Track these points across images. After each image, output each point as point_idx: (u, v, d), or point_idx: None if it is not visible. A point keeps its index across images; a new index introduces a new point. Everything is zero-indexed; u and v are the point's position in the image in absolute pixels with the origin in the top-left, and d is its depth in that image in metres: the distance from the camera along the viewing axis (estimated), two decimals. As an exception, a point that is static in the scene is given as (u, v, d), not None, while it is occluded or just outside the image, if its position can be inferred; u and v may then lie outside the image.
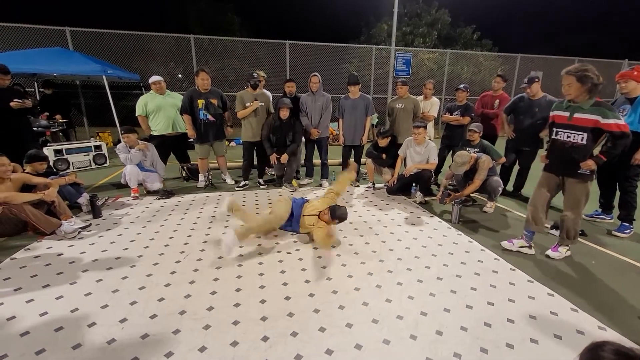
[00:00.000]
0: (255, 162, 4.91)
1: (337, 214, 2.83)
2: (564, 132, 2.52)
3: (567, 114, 2.48)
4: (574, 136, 2.46)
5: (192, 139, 4.59)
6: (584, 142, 2.42)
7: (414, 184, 4.35)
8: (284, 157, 4.46)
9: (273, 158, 4.49)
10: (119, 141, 6.79)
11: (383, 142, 4.49)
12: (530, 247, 2.82)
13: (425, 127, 4.14)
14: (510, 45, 16.38)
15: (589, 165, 2.42)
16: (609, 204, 3.56)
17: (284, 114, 4.28)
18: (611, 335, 1.82)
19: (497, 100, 4.64)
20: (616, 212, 3.43)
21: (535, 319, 1.94)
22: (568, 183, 2.57)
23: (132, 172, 4.05)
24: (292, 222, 3.03)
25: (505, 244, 2.90)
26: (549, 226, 3.25)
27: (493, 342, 1.74)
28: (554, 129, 2.61)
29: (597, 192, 3.61)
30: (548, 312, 2.01)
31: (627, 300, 2.16)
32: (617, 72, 3.42)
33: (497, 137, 4.74)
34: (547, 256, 2.71)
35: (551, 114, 2.66)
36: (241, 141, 4.76)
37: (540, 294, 2.21)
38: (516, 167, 4.45)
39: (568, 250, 2.73)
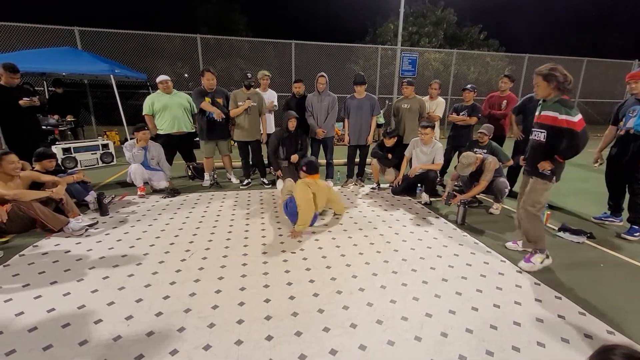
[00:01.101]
0: (251, 162, 4.91)
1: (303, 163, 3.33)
2: (534, 131, 2.52)
3: (538, 112, 2.49)
4: (538, 134, 2.47)
5: (213, 116, 4.34)
6: (544, 140, 2.41)
7: (419, 185, 4.32)
8: (294, 157, 4.49)
9: (279, 174, 4.51)
10: (126, 140, 6.89)
11: (390, 142, 4.49)
12: (548, 256, 2.64)
13: (433, 127, 4.12)
14: (518, 45, 16.19)
15: (544, 166, 2.38)
16: (618, 206, 3.51)
17: (292, 125, 4.30)
18: (620, 340, 1.79)
19: (505, 101, 4.59)
20: (625, 214, 3.38)
21: (542, 322, 1.92)
22: (530, 182, 2.54)
23: (137, 171, 4.08)
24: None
25: (509, 244, 2.88)
26: (557, 229, 3.22)
27: (499, 345, 1.72)
28: (532, 129, 2.60)
29: (606, 194, 3.56)
30: (555, 315, 1.99)
31: (637, 304, 2.13)
32: (627, 73, 3.36)
33: (505, 137, 4.70)
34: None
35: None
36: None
37: (547, 296, 2.18)
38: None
39: (546, 258, 2.52)
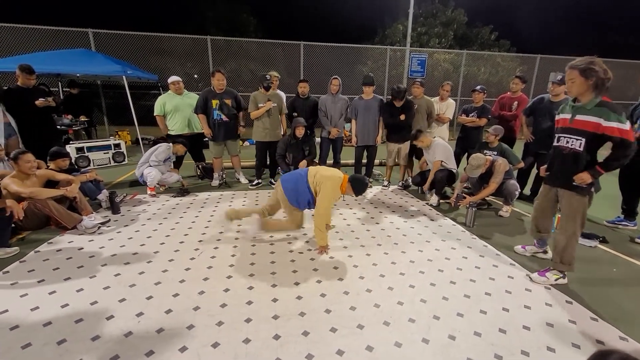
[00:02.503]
0: (269, 162, 4.95)
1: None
2: (564, 137, 2.21)
3: (569, 115, 2.18)
4: (573, 141, 2.14)
5: (207, 138, 4.68)
6: (581, 148, 2.10)
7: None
8: (303, 163, 4.52)
9: None
10: (137, 140, 7.01)
11: (399, 103, 4.36)
12: (545, 252, 2.73)
13: (417, 134, 4.11)
14: (530, 46, 15.94)
15: (582, 178, 2.08)
16: (632, 210, 3.44)
17: (300, 132, 4.33)
18: (633, 346, 1.76)
19: (516, 102, 4.54)
20: (639, 219, 3.30)
21: (553, 326, 1.89)
22: (563, 196, 2.26)
23: (155, 174, 4.14)
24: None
25: (518, 249, 2.83)
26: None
27: (508, 349, 1.70)
28: (556, 135, 2.30)
29: (619, 198, 3.49)
30: (566, 320, 1.96)
31: (651, 310, 2.08)
32: (642, 74, 3.29)
33: (515, 139, 4.64)
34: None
35: (556, 117, 2.35)
36: (254, 141, 4.82)
37: (558, 301, 2.14)
38: (534, 171, 4.34)
39: (561, 278, 2.32)
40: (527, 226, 3.47)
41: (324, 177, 2.69)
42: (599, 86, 1.99)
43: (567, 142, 2.19)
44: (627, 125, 1.97)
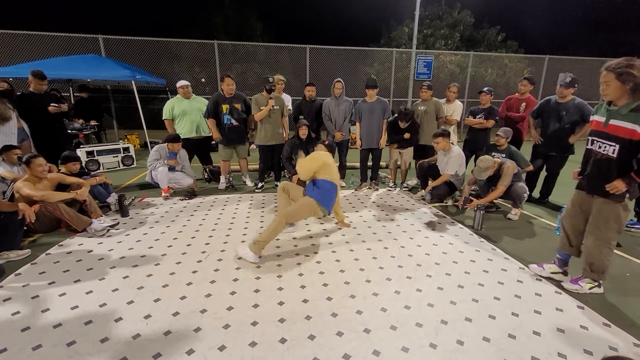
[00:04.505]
0: (273, 165, 4.96)
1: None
2: (598, 141, 2.10)
3: (603, 119, 2.07)
4: (606, 147, 2.04)
5: (214, 142, 4.72)
6: (615, 155, 2.00)
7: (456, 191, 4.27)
8: None
9: (295, 179, 4.52)
10: (146, 143, 7.11)
11: (404, 124, 4.42)
12: (565, 273, 2.46)
13: (444, 135, 3.95)
14: (538, 47, 15.77)
15: (615, 186, 1.98)
16: (646, 213, 3.35)
17: (303, 132, 4.33)
18: (648, 353, 1.71)
19: (524, 104, 4.48)
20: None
21: (564, 332, 1.85)
22: (596, 202, 2.15)
23: (163, 173, 4.18)
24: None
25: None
26: None
27: (517, 355, 1.67)
28: (589, 137, 2.18)
29: (633, 202, 3.41)
30: (578, 325, 1.92)
31: (666, 316, 2.03)
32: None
33: (523, 141, 4.58)
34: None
35: (591, 118, 2.24)
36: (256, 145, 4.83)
37: (569, 306, 2.10)
38: (543, 173, 4.28)
39: (596, 287, 2.21)
40: (537, 230, 3.42)
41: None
42: (637, 91, 1.87)
43: (600, 147, 2.09)
44: None
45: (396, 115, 4.63)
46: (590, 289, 2.22)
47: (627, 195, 2.03)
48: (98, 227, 3.11)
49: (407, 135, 4.49)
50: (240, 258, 2.65)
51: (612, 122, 2.01)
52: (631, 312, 2.05)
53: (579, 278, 2.28)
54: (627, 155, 1.97)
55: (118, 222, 3.37)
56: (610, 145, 2.03)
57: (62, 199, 3.12)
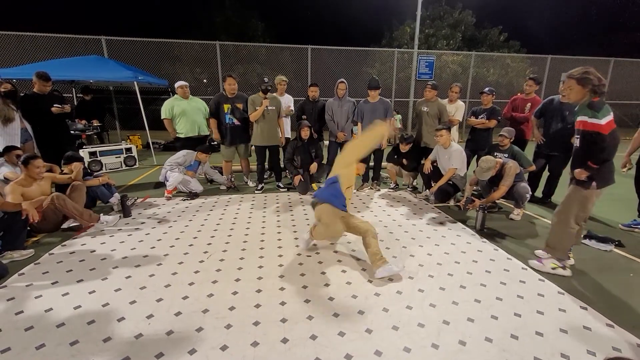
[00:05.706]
0: (270, 166, 4.98)
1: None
2: (575, 137, 2.45)
3: (575, 117, 2.41)
4: (575, 140, 2.41)
5: (215, 142, 4.75)
6: (579, 145, 2.36)
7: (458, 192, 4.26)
8: (314, 166, 4.52)
9: (296, 180, 4.53)
10: (148, 144, 7.13)
11: (405, 148, 4.49)
12: (564, 267, 2.49)
13: (447, 128, 4.02)
14: (541, 46, 15.71)
15: (577, 173, 2.30)
16: (649, 214, 3.35)
17: (305, 133, 4.33)
18: (652, 354, 1.70)
19: (529, 104, 4.46)
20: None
21: (567, 333, 1.85)
22: (569, 189, 2.46)
23: (176, 178, 4.21)
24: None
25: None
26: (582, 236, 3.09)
27: (520, 355, 1.67)
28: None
29: (636, 200, 3.40)
30: (581, 326, 1.91)
31: (670, 317, 2.01)
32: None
33: (527, 141, 4.56)
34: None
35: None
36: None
37: (572, 307, 2.09)
38: (546, 173, 4.26)
39: (560, 267, 2.43)
40: (540, 230, 3.41)
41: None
42: (596, 92, 2.19)
43: (574, 141, 2.44)
44: (602, 120, 2.15)
45: (399, 139, 4.74)
46: (553, 269, 2.46)
47: (594, 183, 2.27)
48: (109, 219, 3.28)
49: (405, 162, 4.60)
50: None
51: (577, 118, 2.35)
52: (635, 313, 2.04)
53: (545, 258, 2.54)
54: (585, 145, 2.30)
55: (120, 217, 3.54)
56: (577, 138, 2.39)
57: (61, 181, 3.41)
